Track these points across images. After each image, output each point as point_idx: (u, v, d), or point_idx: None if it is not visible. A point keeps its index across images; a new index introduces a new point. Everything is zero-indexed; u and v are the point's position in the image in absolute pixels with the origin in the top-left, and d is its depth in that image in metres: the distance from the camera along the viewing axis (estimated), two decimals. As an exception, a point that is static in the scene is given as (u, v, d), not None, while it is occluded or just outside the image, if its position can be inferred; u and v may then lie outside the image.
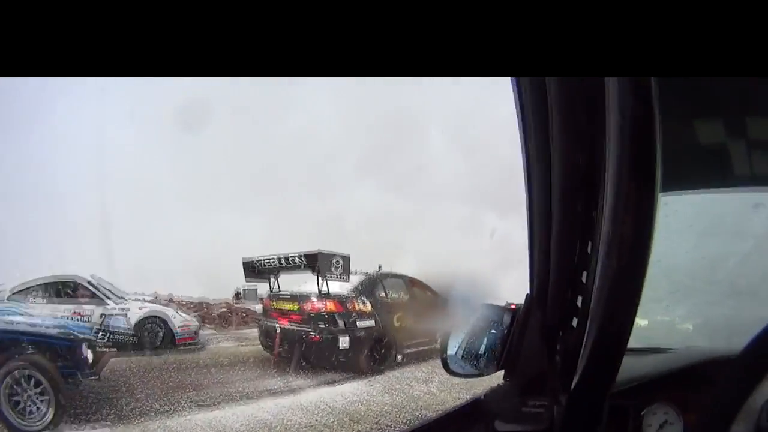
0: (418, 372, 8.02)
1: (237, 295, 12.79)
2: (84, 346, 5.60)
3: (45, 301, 9.20)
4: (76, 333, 5.79)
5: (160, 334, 9.77)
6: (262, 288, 10.44)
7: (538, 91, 1.03)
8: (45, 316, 6.96)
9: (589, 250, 1.09)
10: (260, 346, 9.61)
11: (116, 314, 9.60)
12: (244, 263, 9.73)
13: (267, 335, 9.03)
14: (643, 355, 1.40)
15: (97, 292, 9.74)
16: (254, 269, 9.62)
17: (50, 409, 5.00)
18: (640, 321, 1.24)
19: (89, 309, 9.39)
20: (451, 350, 1.51)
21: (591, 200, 1.05)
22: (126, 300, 10.07)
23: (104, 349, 5.86)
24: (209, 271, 11.49)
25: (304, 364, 8.23)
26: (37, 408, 4.96)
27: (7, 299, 8.91)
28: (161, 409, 5.95)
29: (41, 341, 5.40)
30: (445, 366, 1.52)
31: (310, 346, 8.11)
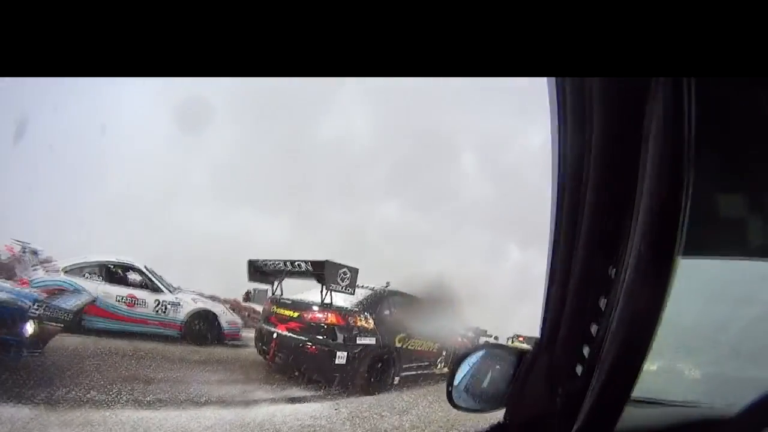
0: (399, 401, 7.73)
1: (247, 296, 12.96)
2: (26, 319, 5.47)
3: (100, 280, 9.85)
4: (25, 302, 5.61)
5: (210, 328, 10.59)
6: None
7: (575, 146, 1.09)
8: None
9: (602, 306, 1.14)
10: (254, 349, 9.61)
11: (171, 303, 10.31)
12: (249, 263, 9.75)
13: (263, 340, 8.91)
14: (641, 407, 1.40)
15: (152, 280, 10.43)
16: (259, 270, 9.64)
17: None
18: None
19: (144, 294, 10.10)
20: (456, 383, 1.56)
21: (611, 259, 1.10)
22: (180, 291, 10.89)
23: (50, 325, 5.67)
24: (225, 269, 11.61)
25: (296, 374, 8.13)
26: None
27: (63, 271, 9.60)
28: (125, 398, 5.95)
29: None
30: (450, 398, 1.57)
31: (305, 357, 7.96)
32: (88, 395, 5.61)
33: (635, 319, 1.01)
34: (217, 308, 11.11)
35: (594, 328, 1.16)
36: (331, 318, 8.06)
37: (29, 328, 5.48)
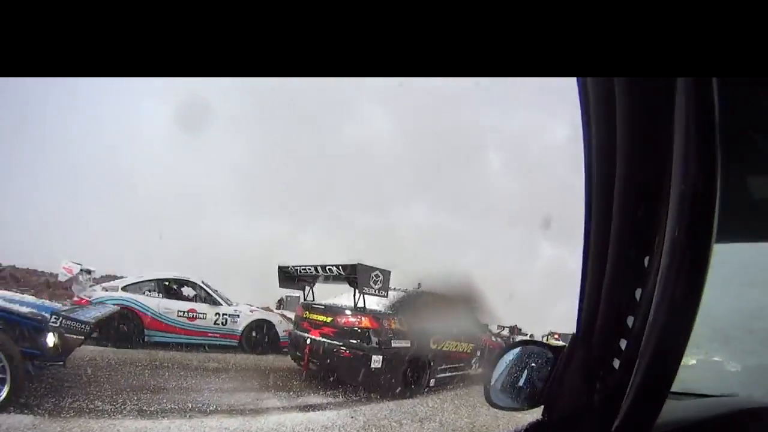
0: (422, 407, 7.55)
1: (280, 302, 13.27)
2: (46, 331, 5.63)
3: (158, 296, 10.57)
4: (44, 315, 5.75)
5: (267, 337, 11.33)
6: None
7: (605, 145, 1.08)
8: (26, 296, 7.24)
9: (638, 297, 1.13)
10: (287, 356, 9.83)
11: (230, 315, 10.90)
12: (279, 269, 9.80)
13: (297, 346, 9.00)
14: (680, 399, 1.40)
15: (210, 294, 11.06)
16: (289, 276, 9.67)
17: (5, 386, 5.13)
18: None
19: (204, 308, 10.74)
20: (493, 382, 1.58)
21: (645, 249, 1.10)
22: (237, 303, 11.44)
23: (71, 337, 5.83)
24: (256, 277, 11.88)
25: (332, 380, 8.17)
26: None
27: (122, 290, 10.29)
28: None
29: (8, 318, 5.53)
30: (487, 397, 1.58)
31: (340, 362, 7.97)
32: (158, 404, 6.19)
33: (673, 308, 1.00)
34: (274, 318, 11.70)
35: (631, 321, 1.15)
36: (365, 322, 8.07)
37: (50, 339, 5.67)
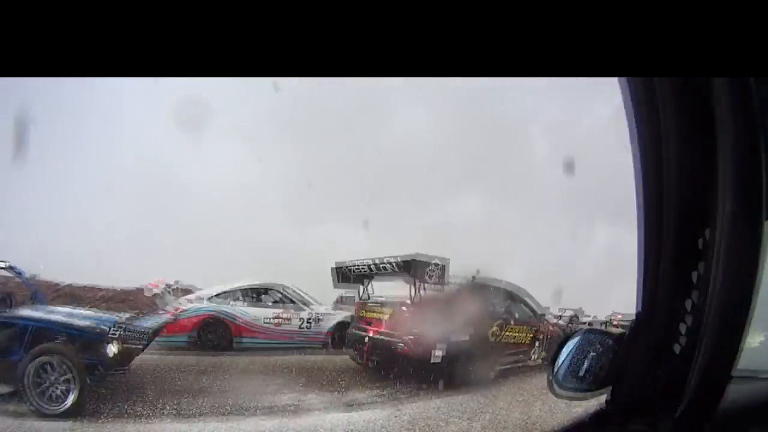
0: (472, 402, 7.10)
1: (339, 300, 13.46)
2: (107, 341, 6.12)
3: (246, 303, 11.05)
4: (103, 327, 6.23)
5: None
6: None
7: (650, 120, 1.09)
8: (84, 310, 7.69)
9: (695, 279, 1.14)
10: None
11: (318, 316, 11.17)
12: (334, 269, 9.74)
13: (355, 344, 8.90)
14: (743, 382, 1.35)
15: (296, 298, 11.39)
16: (345, 275, 9.60)
17: (72, 395, 5.69)
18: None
19: (291, 313, 11.01)
20: (555, 371, 1.60)
21: (700, 230, 1.10)
22: (321, 305, 11.68)
23: (132, 345, 6.43)
24: (313, 279, 12.07)
25: (392, 377, 8.00)
26: (61, 393, 5.68)
27: (208, 300, 10.81)
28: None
29: (70, 332, 6.07)
30: (551, 387, 1.60)
31: (400, 358, 7.84)
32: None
33: (732, 287, 1.01)
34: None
35: (689, 303, 1.16)
36: (424, 315, 7.95)
37: (111, 349, 6.13)
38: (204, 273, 12.00)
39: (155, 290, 11.37)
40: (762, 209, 0.94)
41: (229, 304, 11.03)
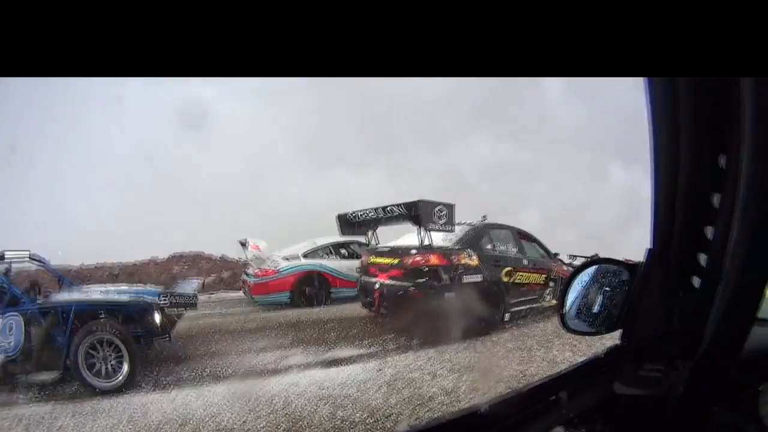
0: (464, 355, 6.95)
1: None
2: (153, 311, 6.67)
3: (336, 257, 12.51)
4: (146, 298, 6.79)
5: None
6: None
7: None
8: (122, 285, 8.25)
9: (716, 204, 1.08)
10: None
11: None
12: (338, 217, 9.89)
13: (366, 292, 9.02)
14: (763, 326, 1.33)
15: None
16: (349, 223, 9.73)
17: (124, 368, 6.11)
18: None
19: None
20: (568, 307, 1.56)
21: (720, 148, 1.05)
22: None
23: (175, 312, 6.92)
24: (325, 226, 12.28)
25: (405, 322, 8.10)
26: (113, 368, 6.09)
27: (302, 256, 12.00)
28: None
29: (112, 308, 6.54)
30: (562, 322, 1.58)
31: (412, 303, 7.89)
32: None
33: (758, 211, 0.95)
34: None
35: (710, 231, 1.11)
36: (434, 259, 7.95)
37: (155, 319, 6.65)
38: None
39: (256, 252, 12.29)
40: None
41: (320, 257, 12.26)
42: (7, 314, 6.19)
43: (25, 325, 6.16)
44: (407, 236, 9.25)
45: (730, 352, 1.08)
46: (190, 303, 7.01)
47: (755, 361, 1.20)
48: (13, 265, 6.92)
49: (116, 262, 16.94)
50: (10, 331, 6.16)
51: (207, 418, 4.83)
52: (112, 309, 6.57)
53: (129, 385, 6.03)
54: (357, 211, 9.50)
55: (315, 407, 5.02)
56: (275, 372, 6.41)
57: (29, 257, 7.03)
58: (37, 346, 6.12)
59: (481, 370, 6.19)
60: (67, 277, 7.93)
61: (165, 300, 6.67)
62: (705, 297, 1.09)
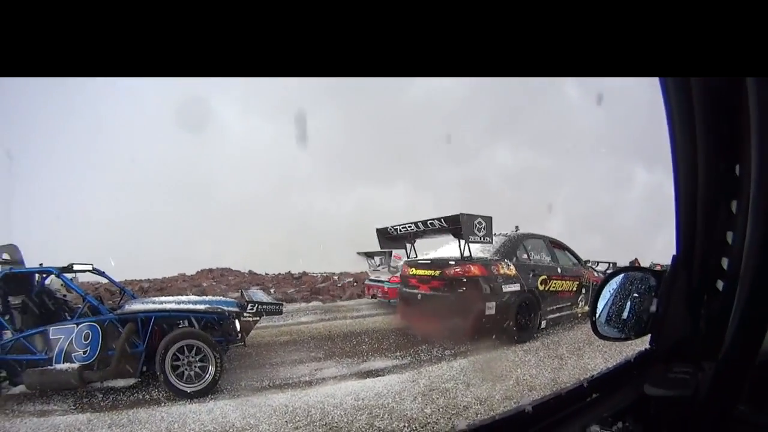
0: (500, 364, 7.12)
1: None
2: (234, 319, 7.26)
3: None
4: (223, 308, 7.32)
5: None
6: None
7: None
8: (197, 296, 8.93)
9: (734, 209, 1.13)
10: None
11: None
12: (378, 231, 10.36)
13: (407, 303, 9.46)
14: None
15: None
16: (389, 237, 10.17)
17: (210, 371, 6.64)
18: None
19: None
20: (598, 314, 1.63)
21: (735, 157, 1.10)
22: None
23: (249, 320, 7.44)
24: (352, 245, 12.87)
25: (447, 332, 8.50)
26: (197, 372, 6.61)
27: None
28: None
29: (190, 317, 7.09)
30: (594, 329, 1.63)
31: (455, 313, 8.30)
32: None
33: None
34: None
35: (730, 236, 1.14)
36: (475, 270, 8.46)
37: (236, 326, 7.28)
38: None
39: (397, 261, 14.08)
40: None
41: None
42: (84, 322, 6.63)
43: (102, 333, 6.57)
44: (444, 248, 9.70)
45: (749, 352, 1.10)
46: (276, 311, 7.58)
47: None
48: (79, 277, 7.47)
49: (143, 278, 17.62)
50: (86, 339, 6.57)
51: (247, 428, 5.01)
52: (190, 318, 7.12)
53: (213, 388, 6.54)
54: (396, 225, 9.89)
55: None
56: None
57: (92, 270, 7.58)
58: (116, 354, 6.50)
59: (514, 379, 6.24)
60: (128, 289, 8.43)
61: (252, 308, 7.25)
62: (728, 300, 1.11)
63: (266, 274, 23.42)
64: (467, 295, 8.35)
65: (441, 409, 5.20)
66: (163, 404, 6.14)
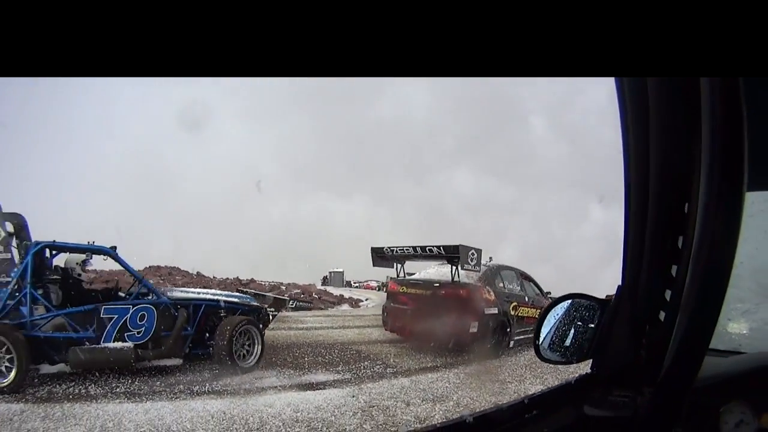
0: (438, 385, 7.55)
1: (324, 280, 16.09)
2: (266, 310, 8.84)
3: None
4: (251, 301, 8.97)
5: None
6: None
7: (638, 92, 1.18)
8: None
9: (680, 245, 1.20)
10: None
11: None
12: (372, 249, 11.58)
13: (395, 317, 10.79)
14: (725, 356, 1.48)
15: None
16: (383, 256, 11.36)
17: (256, 350, 8.27)
18: (723, 322, 1.30)
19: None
20: (542, 337, 1.70)
21: (685, 196, 1.17)
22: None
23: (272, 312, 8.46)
24: (304, 258, 14.43)
25: (432, 345, 9.91)
26: (248, 351, 8.13)
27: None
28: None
29: (232, 307, 8.61)
30: (537, 352, 1.70)
31: (442, 329, 9.75)
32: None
33: (711, 254, 1.06)
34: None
35: (675, 270, 1.20)
36: (463, 293, 10.01)
37: (269, 316, 9.10)
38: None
39: None
40: (743, 179, 0.99)
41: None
42: (141, 303, 7.31)
43: (157, 316, 7.33)
44: (429, 270, 11.28)
45: (687, 378, 1.18)
46: (309, 306, 9.07)
47: (716, 386, 1.29)
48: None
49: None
50: (141, 320, 7.20)
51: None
52: (232, 307, 8.53)
53: (258, 363, 8.01)
54: (394, 246, 11.12)
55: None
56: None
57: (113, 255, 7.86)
58: (173, 335, 7.43)
59: (454, 400, 6.58)
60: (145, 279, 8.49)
61: (293, 303, 8.88)
62: (668, 329, 1.20)
63: (214, 277, 24.47)
64: (455, 314, 9.73)
65: (380, 426, 5.39)
66: (99, 401, 6.19)
